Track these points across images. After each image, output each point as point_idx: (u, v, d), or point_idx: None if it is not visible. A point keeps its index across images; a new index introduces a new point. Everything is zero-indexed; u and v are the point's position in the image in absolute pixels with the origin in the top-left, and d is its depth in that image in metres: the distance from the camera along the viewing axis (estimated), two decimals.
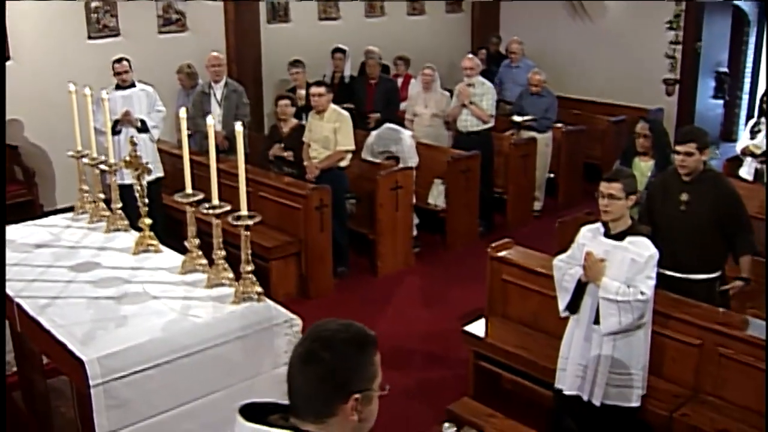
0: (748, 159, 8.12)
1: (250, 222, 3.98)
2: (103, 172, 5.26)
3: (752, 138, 8.09)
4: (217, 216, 4.16)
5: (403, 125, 9.30)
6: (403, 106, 10.16)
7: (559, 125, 10.31)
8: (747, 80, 13.50)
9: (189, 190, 4.40)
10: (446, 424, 3.47)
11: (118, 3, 9.71)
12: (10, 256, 4.69)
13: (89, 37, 9.60)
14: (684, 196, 5.23)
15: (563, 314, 4.72)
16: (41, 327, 3.89)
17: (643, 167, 6.13)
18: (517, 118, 9.81)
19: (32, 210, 8.71)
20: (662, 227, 5.28)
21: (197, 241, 4.49)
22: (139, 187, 4.76)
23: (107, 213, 5.26)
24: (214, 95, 8.63)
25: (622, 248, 4.46)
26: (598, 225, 4.64)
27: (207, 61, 8.70)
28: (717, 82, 12.87)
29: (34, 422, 4.82)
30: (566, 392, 4.68)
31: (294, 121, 8.57)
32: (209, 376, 3.89)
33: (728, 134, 13.18)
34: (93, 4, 9.55)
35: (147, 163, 4.83)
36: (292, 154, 8.32)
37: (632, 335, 4.50)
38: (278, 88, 10.62)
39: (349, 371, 2.02)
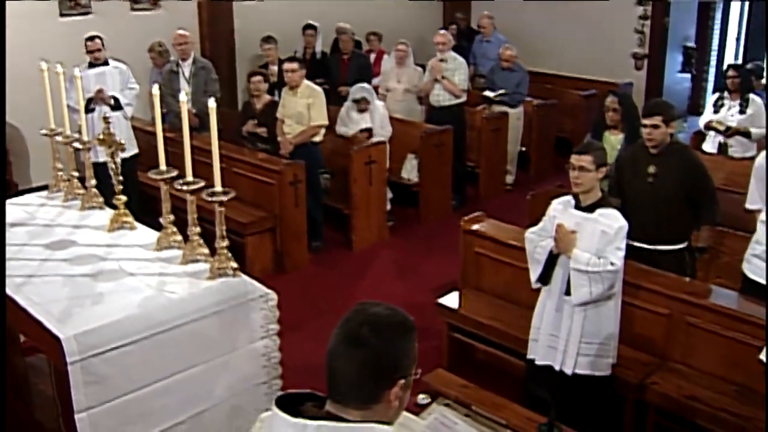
0: (712, 133, 8.22)
1: (224, 198, 4.01)
2: (77, 150, 5.24)
3: (715, 112, 8.18)
4: (192, 192, 4.17)
5: None
6: (375, 81, 10.16)
7: (531, 99, 10.37)
8: (714, 54, 13.63)
9: (163, 167, 4.41)
10: (420, 396, 3.53)
11: None
12: None
13: (61, 15, 9.50)
14: (651, 169, 5.32)
15: (535, 286, 4.79)
16: (18, 305, 3.90)
17: (613, 140, 6.21)
18: (489, 94, 9.86)
19: (7, 189, 8.65)
20: (631, 199, 5.36)
21: (172, 218, 4.50)
22: (113, 165, 4.76)
23: (82, 191, 5.26)
24: (183, 73, 8.57)
25: (593, 220, 4.53)
26: (569, 197, 4.71)
27: (173, 40, 8.63)
28: (684, 56, 13.01)
29: (13, 400, 4.83)
30: (538, 362, 4.76)
31: (267, 97, 8.57)
32: (186, 351, 3.93)
33: (695, 107, 13.30)
34: None
35: (121, 141, 4.83)
36: (266, 130, 8.32)
37: (603, 305, 4.58)
38: (251, 65, 10.57)
39: (398, 357, 1.99)
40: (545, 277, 4.71)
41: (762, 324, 4.49)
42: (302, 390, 2.12)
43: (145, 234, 4.76)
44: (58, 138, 5.30)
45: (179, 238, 4.51)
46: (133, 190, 6.44)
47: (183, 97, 4.21)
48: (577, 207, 4.62)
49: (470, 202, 9.45)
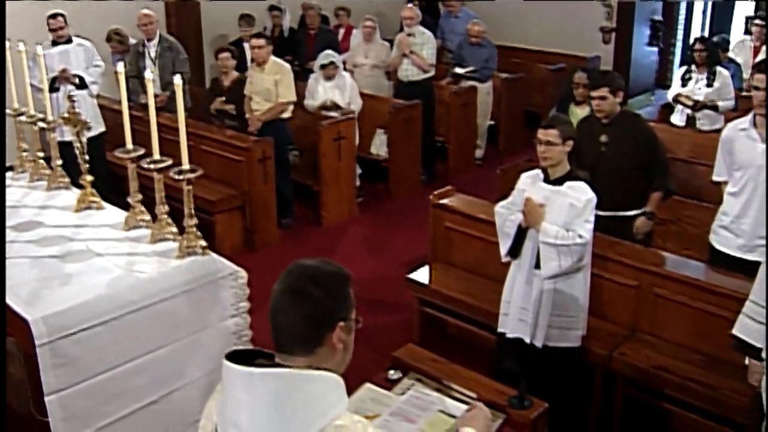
0: (680, 106, 8.28)
1: (191, 176, 3.98)
2: (42, 129, 5.18)
3: (683, 86, 8.23)
4: (159, 171, 4.14)
5: None
6: (343, 56, 10.12)
7: (499, 74, 10.36)
8: (680, 28, 13.70)
9: (129, 145, 4.37)
10: (391, 371, 3.54)
11: None
12: None
13: None
14: (603, 138, 5.40)
15: (505, 259, 4.81)
16: None
17: (579, 114, 6.24)
18: (458, 70, 9.85)
19: None
20: (586, 168, 5.42)
21: (140, 197, 4.47)
22: (78, 144, 4.71)
23: (47, 171, 5.20)
24: (149, 54, 8.43)
25: (561, 193, 4.54)
26: (538, 171, 4.72)
27: (137, 20, 8.47)
28: (652, 30, 13.03)
29: None
30: (509, 335, 4.80)
31: (235, 74, 8.49)
32: (156, 330, 3.91)
33: (663, 81, 13.38)
34: None
35: (87, 120, 4.78)
36: (234, 107, 8.27)
37: (572, 278, 4.61)
38: (219, 41, 10.46)
39: (336, 302, 2.10)
40: (515, 251, 4.73)
41: (729, 294, 4.56)
42: (253, 347, 2.23)
43: (113, 214, 4.72)
44: (23, 118, 5.23)
45: (147, 217, 4.48)
46: (100, 170, 6.37)
47: (149, 74, 4.16)
48: (546, 180, 4.63)
49: (440, 177, 9.46)
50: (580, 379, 4.84)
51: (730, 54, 9.58)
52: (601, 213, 5.26)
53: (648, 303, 4.98)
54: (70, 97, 4.80)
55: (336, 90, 8.59)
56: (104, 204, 4.83)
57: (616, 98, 5.33)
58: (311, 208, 8.50)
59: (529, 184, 4.71)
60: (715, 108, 8.00)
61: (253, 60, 8.15)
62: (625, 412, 4.86)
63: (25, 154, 5.38)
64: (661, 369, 4.63)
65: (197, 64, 10.38)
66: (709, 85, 8.04)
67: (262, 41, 7.94)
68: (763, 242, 4.93)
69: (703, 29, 13.66)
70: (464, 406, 2.92)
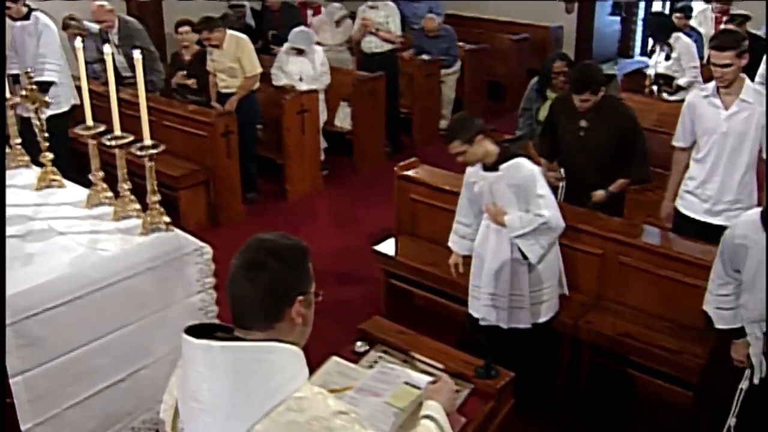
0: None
1: (154, 152, 3.93)
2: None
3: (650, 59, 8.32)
4: (120, 147, 4.09)
5: None
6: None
7: (462, 45, 10.36)
8: None
9: (90, 122, 4.31)
10: (358, 343, 3.55)
11: None
12: None
13: None
14: (583, 123, 5.31)
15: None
16: None
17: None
18: (425, 57, 9.88)
19: None
20: (565, 150, 5.44)
21: (102, 174, 4.42)
22: (38, 122, 4.63)
23: (6, 150, 5.11)
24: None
25: (499, 177, 4.50)
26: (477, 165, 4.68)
27: (92, 15, 8.26)
28: None
29: None
30: (482, 323, 4.78)
31: (196, 48, 8.38)
32: (121, 309, 3.88)
33: (626, 50, 13.48)
34: None
35: (46, 98, 4.70)
36: (196, 81, 8.18)
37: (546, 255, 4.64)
38: (180, 15, 10.29)
39: (294, 276, 2.09)
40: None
41: (692, 261, 4.63)
42: (213, 322, 2.23)
43: (75, 191, 4.66)
44: None
45: (110, 194, 4.43)
46: (61, 147, 6.25)
47: (107, 48, 4.09)
48: (485, 168, 4.60)
49: (405, 149, 9.45)
50: (547, 348, 4.89)
51: (692, 23, 9.65)
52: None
53: (613, 271, 5.03)
54: (27, 74, 4.72)
55: (307, 62, 8.52)
56: (65, 182, 4.77)
57: (599, 96, 5.25)
58: (276, 183, 8.46)
59: (474, 173, 4.68)
60: (671, 78, 8.04)
61: None
62: (592, 380, 4.92)
63: None
64: (626, 336, 4.69)
65: (158, 39, 10.22)
66: (668, 57, 8.09)
67: (213, 34, 7.80)
68: (727, 206, 5.01)
69: None
70: (429, 378, 2.93)
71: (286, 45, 8.66)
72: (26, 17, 7.46)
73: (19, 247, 3.96)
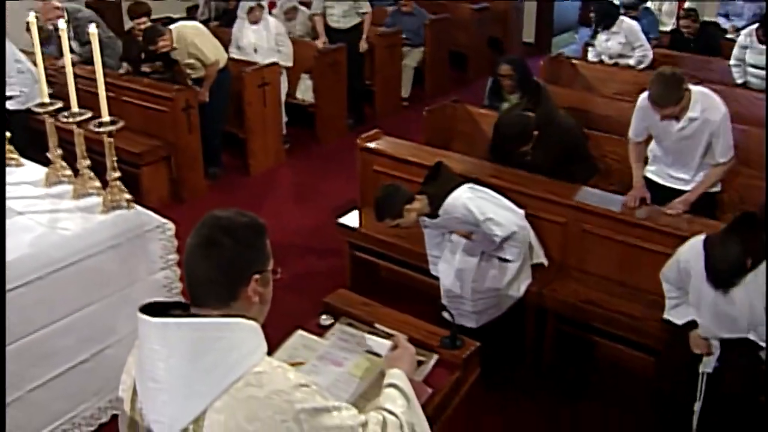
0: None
1: (112, 128, 3.90)
2: None
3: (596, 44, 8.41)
4: (78, 124, 4.04)
5: None
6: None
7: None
8: None
9: (46, 98, 4.25)
10: (323, 316, 3.54)
11: None
12: None
13: None
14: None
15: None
16: None
17: (514, 100, 6.13)
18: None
19: None
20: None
21: (60, 152, 4.36)
22: None
23: None
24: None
25: (444, 220, 4.68)
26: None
27: (42, 15, 7.94)
28: None
29: None
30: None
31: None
32: (84, 288, 3.86)
33: (586, 19, 13.47)
34: None
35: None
36: (162, 63, 8.02)
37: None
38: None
39: (250, 254, 2.07)
40: None
41: (652, 227, 4.68)
42: (169, 299, 2.21)
43: (33, 170, 4.61)
44: None
45: (69, 172, 4.38)
46: (18, 125, 6.12)
47: (62, 24, 4.03)
48: (430, 217, 4.73)
49: (367, 121, 9.42)
50: (512, 317, 4.93)
51: (649, 4, 9.74)
52: None
53: (576, 239, 5.06)
54: None
55: (263, 33, 8.44)
56: (23, 160, 4.70)
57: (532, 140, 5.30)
58: (239, 157, 8.40)
59: (422, 220, 4.82)
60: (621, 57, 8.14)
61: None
62: (558, 347, 4.98)
63: None
64: (589, 303, 4.74)
65: (119, 28, 10.01)
66: (617, 42, 8.17)
67: (158, 44, 7.54)
68: (688, 176, 5.07)
69: None
70: (390, 343, 2.93)
71: (237, 20, 8.59)
72: None
73: None
